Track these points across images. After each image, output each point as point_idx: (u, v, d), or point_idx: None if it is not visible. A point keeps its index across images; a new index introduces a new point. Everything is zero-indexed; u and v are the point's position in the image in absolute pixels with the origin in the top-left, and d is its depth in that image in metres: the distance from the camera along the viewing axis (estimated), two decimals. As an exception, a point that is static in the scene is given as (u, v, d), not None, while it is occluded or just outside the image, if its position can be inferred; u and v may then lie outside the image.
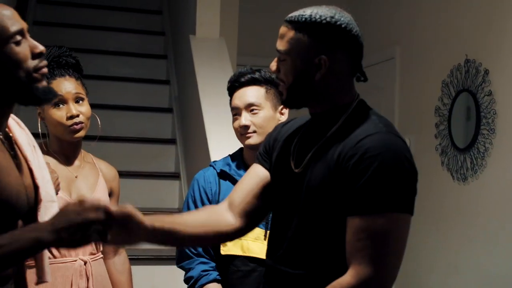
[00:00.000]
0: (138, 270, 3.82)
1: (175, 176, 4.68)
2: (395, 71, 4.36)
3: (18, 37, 1.49)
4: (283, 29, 1.61)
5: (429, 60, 3.99)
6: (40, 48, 1.53)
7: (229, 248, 2.17)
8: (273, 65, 1.64)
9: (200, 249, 2.21)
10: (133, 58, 5.60)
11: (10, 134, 1.62)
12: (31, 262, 1.76)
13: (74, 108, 2.10)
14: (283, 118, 2.22)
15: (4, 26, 1.48)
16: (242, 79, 2.22)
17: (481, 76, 3.46)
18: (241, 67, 2.32)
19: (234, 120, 2.26)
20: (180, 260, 2.25)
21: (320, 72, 1.57)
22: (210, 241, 1.88)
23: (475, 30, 3.58)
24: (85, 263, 2.10)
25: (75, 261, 2.09)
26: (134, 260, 3.84)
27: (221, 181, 2.24)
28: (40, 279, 1.66)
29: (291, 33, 1.58)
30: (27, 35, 1.53)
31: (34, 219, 1.60)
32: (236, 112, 2.24)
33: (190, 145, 4.39)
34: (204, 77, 3.98)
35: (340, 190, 1.52)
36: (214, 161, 2.34)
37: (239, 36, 4.41)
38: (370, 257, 1.46)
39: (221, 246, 2.17)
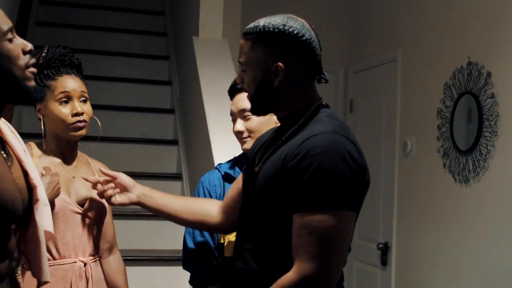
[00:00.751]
0: (139, 271, 3.82)
1: (177, 177, 4.68)
2: (397, 73, 4.35)
3: (11, 35, 1.49)
4: (241, 42, 1.71)
5: (432, 62, 3.98)
6: (30, 46, 1.53)
7: (233, 251, 2.17)
8: (237, 77, 1.75)
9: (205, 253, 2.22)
10: (135, 59, 5.60)
11: (1, 136, 1.59)
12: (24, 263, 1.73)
13: (79, 106, 2.10)
14: None
15: None
16: (237, 86, 2.23)
17: (483, 78, 3.45)
18: (243, 68, 2.33)
19: (233, 124, 2.28)
20: (186, 263, 2.27)
21: (278, 79, 1.65)
22: (193, 227, 2.09)
23: (478, 32, 3.57)
24: (85, 264, 2.10)
25: (75, 262, 2.07)
26: (135, 261, 3.84)
27: (226, 184, 2.25)
28: (39, 279, 1.61)
29: (248, 45, 1.68)
30: (15, 34, 1.53)
31: (28, 220, 1.58)
32: (233, 117, 2.26)
33: (192, 146, 4.39)
34: (207, 78, 3.98)
35: (285, 189, 1.57)
36: (219, 164, 2.36)
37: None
38: (311, 253, 1.51)
39: (225, 248, 2.18)
